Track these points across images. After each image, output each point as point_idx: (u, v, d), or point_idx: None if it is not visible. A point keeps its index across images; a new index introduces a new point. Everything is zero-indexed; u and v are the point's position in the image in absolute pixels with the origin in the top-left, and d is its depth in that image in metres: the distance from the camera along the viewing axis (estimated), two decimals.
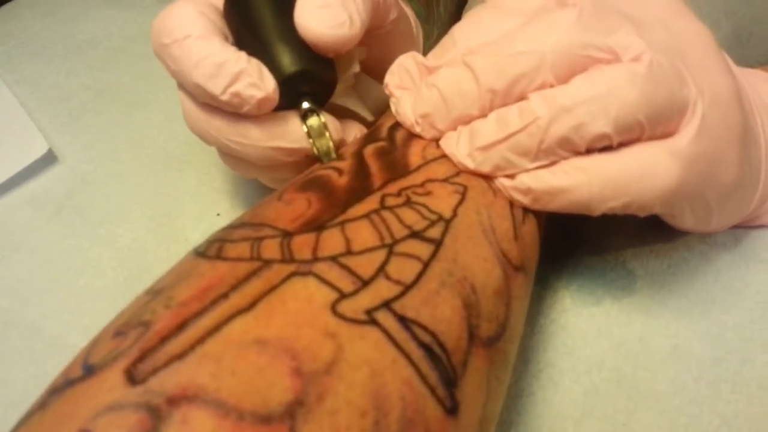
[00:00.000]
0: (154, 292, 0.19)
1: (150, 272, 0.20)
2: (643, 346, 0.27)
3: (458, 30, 0.25)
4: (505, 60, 0.22)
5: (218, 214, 0.35)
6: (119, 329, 0.18)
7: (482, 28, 0.24)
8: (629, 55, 0.21)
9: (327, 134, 0.26)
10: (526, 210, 0.23)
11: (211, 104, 0.25)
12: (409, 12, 0.33)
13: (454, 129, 0.24)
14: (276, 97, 0.24)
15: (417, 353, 0.17)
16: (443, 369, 0.18)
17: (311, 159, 0.27)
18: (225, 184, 0.37)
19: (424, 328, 0.18)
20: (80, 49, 0.47)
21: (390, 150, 0.25)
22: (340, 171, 0.24)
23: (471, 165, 0.23)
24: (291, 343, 0.16)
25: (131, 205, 0.36)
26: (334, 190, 0.22)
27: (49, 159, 0.38)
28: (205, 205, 0.36)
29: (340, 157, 0.25)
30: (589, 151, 0.22)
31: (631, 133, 0.21)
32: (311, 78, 0.25)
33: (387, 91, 0.26)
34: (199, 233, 0.34)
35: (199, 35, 0.24)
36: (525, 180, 0.23)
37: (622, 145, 0.22)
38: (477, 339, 0.19)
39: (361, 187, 0.22)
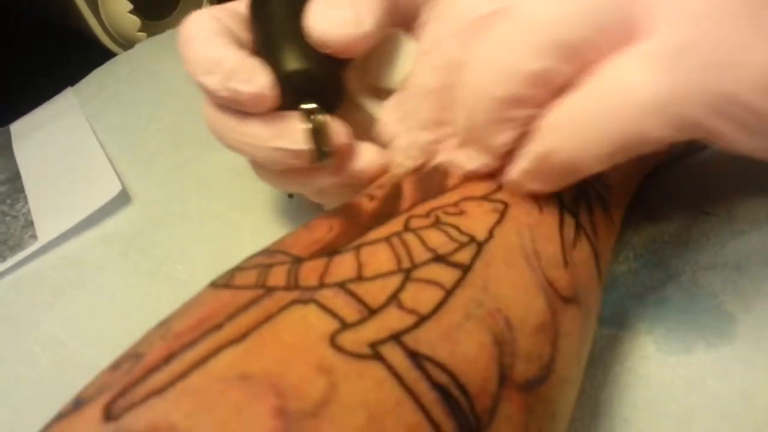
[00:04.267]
0: (161, 324, 0.18)
1: None
2: (746, 403, 0.22)
3: None
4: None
5: None
6: (117, 362, 0.17)
7: None
8: None
9: (327, 134, 0.24)
10: (578, 231, 0.20)
11: (220, 104, 0.26)
12: None
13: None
14: (271, 94, 0.24)
15: (429, 396, 0.15)
16: (462, 416, 0.15)
17: (322, 168, 0.26)
18: (286, 221, 0.36)
19: (441, 366, 0.15)
20: (163, 96, 0.49)
21: (432, 174, 0.22)
22: (372, 197, 0.22)
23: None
24: (278, 379, 0.14)
25: (193, 243, 0.36)
26: (359, 215, 0.20)
27: (122, 199, 0.39)
28: (264, 243, 0.35)
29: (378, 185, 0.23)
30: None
31: (576, 58, 0.17)
32: (314, 78, 0.24)
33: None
34: None
35: (204, 36, 0.25)
36: (519, 164, 0.20)
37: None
38: (510, 382, 0.16)
39: (388, 210, 0.20)
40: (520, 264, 0.18)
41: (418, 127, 0.22)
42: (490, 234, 0.18)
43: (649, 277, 0.27)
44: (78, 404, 0.16)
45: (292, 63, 0.24)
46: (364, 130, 0.26)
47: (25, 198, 0.42)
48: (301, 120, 0.25)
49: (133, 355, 0.17)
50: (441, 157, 0.22)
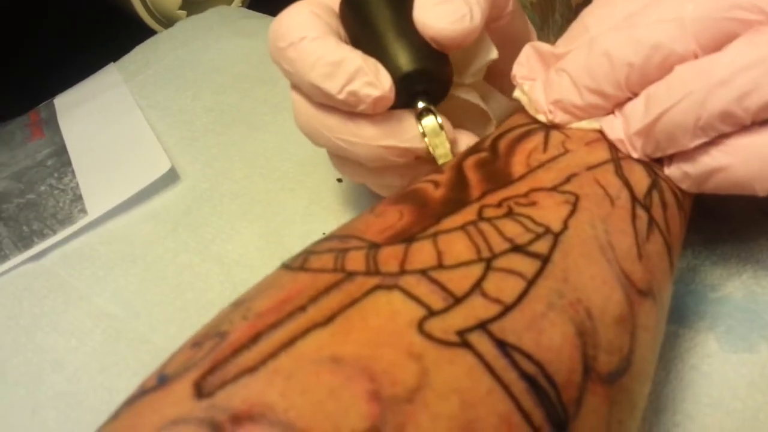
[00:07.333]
0: (236, 304, 0.18)
1: None
2: None
3: (589, 14, 0.23)
4: (640, 31, 0.20)
5: (324, 234, 0.34)
6: (197, 339, 0.17)
7: (616, 9, 0.22)
8: None
9: (443, 134, 0.24)
10: (650, 224, 0.20)
11: (326, 104, 0.25)
12: None
13: (592, 114, 0.22)
14: (392, 95, 0.23)
15: (519, 385, 0.15)
16: (551, 407, 0.15)
17: (422, 161, 0.25)
18: (334, 204, 0.36)
19: (528, 356, 0.15)
20: (207, 75, 0.49)
21: (491, 160, 0.22)
22: (436, 183, 0.22)
23: (635, 154, 0.22)
24: (369, 363, 0.14)
25: (242, 222, 0.36)
26: (428, 202, 0.20)
27: (171, 177, 0.40)
28: (313, 225, 0.36)
29: (441, 170, 0.23)
30: (755, 123, 0.19)
31: None
32: (427, 77, 0.24)
33: (515, 82, 0.24)
34: None
35: (315, 36, 0.24)
36: (681, 165, 0.21)
37: None
38: (594, 373, 0.16)
39: (457, 198, 0.20)
40: (596, 255, 0.18)
41: (573, 91, 0.22)
42: (565, 225, 0.18)
43: (708, 275, 0.27)
44: (163, 380, 0.16)
45: (409, 63, 0.23)
46: (456, 117, 0.26)
47: (73, 172, 0.42)
48: (414, 118, 0.25)
49: (215, 333, 0.17)
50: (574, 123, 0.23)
